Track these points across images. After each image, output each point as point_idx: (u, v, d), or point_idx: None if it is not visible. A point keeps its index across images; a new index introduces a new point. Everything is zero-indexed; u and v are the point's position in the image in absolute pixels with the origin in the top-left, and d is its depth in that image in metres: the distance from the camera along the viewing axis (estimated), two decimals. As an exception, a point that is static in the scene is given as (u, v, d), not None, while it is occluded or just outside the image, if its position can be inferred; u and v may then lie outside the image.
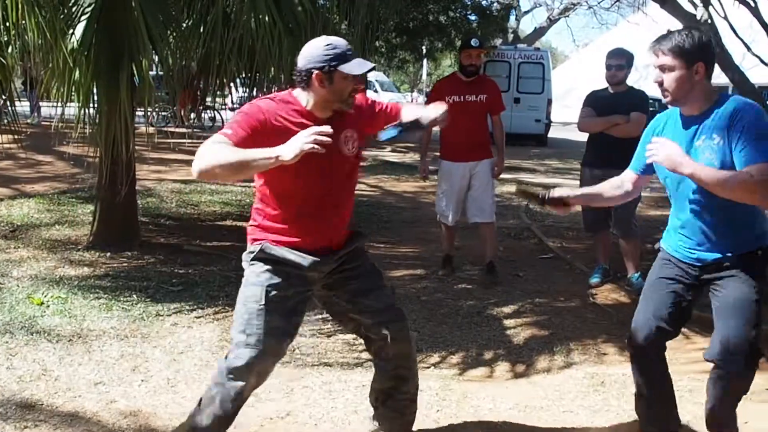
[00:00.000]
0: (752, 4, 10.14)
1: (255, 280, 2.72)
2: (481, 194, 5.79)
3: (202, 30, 5.46)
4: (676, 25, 7.47)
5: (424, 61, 32.53)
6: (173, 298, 4.93)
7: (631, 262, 5.60)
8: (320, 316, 4.72)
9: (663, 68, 2.78)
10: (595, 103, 5.58)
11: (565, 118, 32.73)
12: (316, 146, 2.35)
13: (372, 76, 33.58)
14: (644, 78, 28.84)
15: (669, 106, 2.93)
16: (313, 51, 2.66)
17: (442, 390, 3.75)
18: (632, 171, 3.14)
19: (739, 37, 11.28)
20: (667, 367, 3.14)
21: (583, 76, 28.17)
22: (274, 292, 2.69)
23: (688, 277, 2.94)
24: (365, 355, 4.15)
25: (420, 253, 6.70)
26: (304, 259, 2.74)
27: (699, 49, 2.75)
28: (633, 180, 3.14)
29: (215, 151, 2.45)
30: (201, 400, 2.80)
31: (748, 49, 12.40)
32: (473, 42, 5.83)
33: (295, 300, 2.75)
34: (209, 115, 18.69)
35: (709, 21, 7.05)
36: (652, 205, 9.94)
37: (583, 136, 5.89)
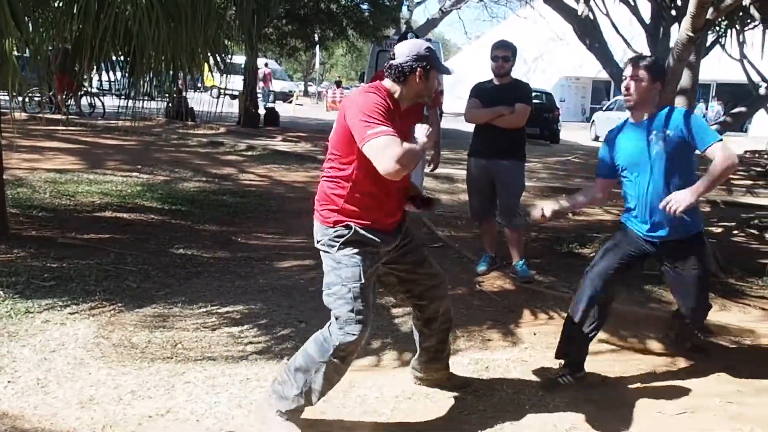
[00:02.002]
0: (632, 3, 10.56)
1: (351, 261, 3.06)
2: (416, 186, 5.85)
3: (75, 11, 5.16)
4: (560, 20, 7.67)
5: (317, 49, 32.29)
6: (45, 294, 4.65)
7: (515, 250, 5.72)
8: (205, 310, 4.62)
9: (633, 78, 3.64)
10: (481, 94, 5.65)
11: (458, 109, 33.29)
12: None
13: (263, 64, 33.10)
14: (533, 71, 29.55)
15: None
16: (416, 50, 3.06)
17: (329, 381, 3.70)
18: (599, 177, 3.97)
19: (620, 34, 11.74)
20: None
21: (475, 68, 28.73)
22: (367, 271, 3.06)
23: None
24: (250, 348, 4.07)
25: (309, 243, 6.55)
26: (382, 239, 3.14)
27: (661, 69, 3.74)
28: (601, 185, 3.98)
29: (405, 150, 2.84)
30: (291, 384, 3.10)
31: (629, 45, 12.93)
32: (409, 36, 5.92)
33: (375, 275, 3.18)
34: (88, 101, 17.95)
35: (591, 17, 7.25)
36: (538, 194, 10.25)
37: (470, 127, 5.95)
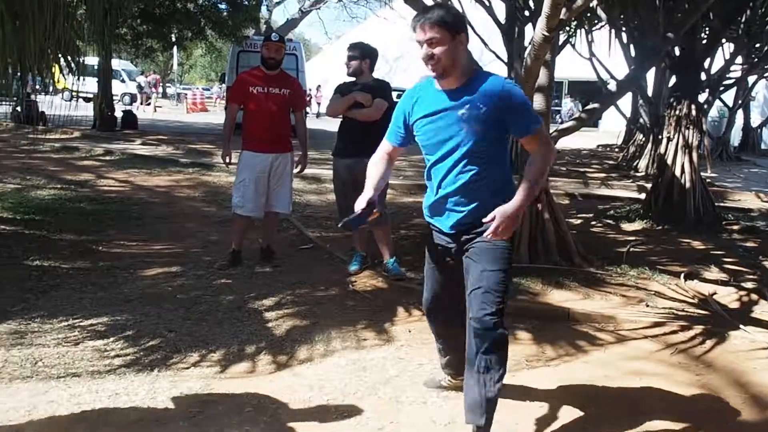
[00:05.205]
0: (487, 3, 10.93)
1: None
2: (281, 186, 5.88)
3: None
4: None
5: (174, 50, 31.44)
6: None
7: (385, 248, 5.79)
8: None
9: (431, 42, 2.93)
10: (343, 92, 5.75)
11: (320, 109, 33.40)
12: None
13: (118, 65, 31.89)
14: (394, 70, 30.20)
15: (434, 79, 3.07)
16: None
17: (203, 390, 3.60)
18: (389, 142, 3.33)
19: (476, 34, 12.14)
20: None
21: (337, 68, 28.92)
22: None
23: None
24: (118, 361, 3.92)
25: (175, 249, 6.43)
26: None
27: (460, 20, 2.98)
28: (389, 150, 3.33)
29: None
30: None
31: (485, 44, 13.42)
32: (273, 36, 5.92)
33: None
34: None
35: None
36: (405, 192, 10.42)
37: (335, 127, 6.00)
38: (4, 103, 6.92)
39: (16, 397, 3.41)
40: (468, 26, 3.03)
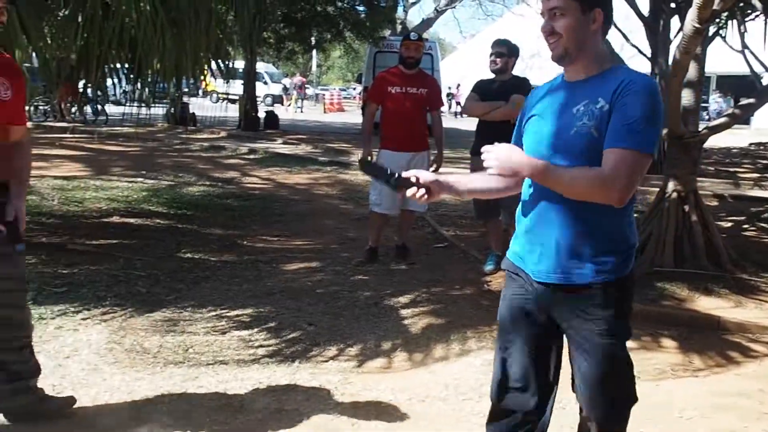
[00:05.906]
0: (629, -5, 10.55)
1: None
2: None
3: (80, 20, 5.18)
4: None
5: (314, 52, 32.35)
6: (57, 300, 4.66)
7: (522, 248, 5.72)
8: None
9: (554, 13, 2.19)
10: (481, 90, 5.74)
11: (455, 108, 33.37)
12: None
13: (261, 68, 33.19)
14: (530, 68, 29.79)
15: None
16: None
17: (342, 384, 3.70)
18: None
19: (617, 28, 11.75)
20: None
21: (471, 67, 28.80)
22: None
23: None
24: (261, 351, 4.09)
25: (315, 245, 6.65)
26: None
27: None
28: None
29: None
30: None
31: (627, 39, 12.98)
32: (412, 35, 6.08)
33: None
34: (93, 108, 17.99)
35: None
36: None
37: (471, 126, 5.99)
38: (159, 105, 7.41)
39: (170, 380, 3.64)
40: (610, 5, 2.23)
